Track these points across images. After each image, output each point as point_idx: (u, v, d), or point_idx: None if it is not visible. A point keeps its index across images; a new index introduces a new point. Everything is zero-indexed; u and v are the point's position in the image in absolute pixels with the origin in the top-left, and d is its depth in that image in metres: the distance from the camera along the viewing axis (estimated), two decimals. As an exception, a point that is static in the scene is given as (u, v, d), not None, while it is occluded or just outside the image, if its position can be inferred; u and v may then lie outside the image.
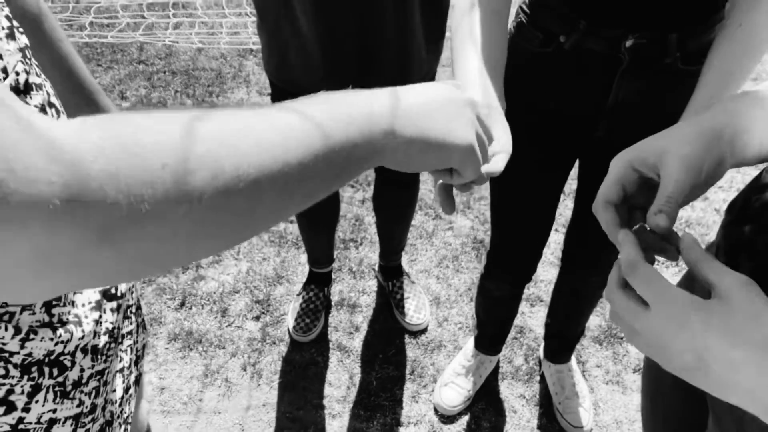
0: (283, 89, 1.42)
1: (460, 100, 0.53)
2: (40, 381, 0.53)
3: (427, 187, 2.34)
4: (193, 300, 1.99)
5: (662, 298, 0.46)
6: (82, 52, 3.10)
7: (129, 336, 0.69)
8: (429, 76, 1.46)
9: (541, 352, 1.87)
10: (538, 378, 1.83)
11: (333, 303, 2.00)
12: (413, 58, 1.36)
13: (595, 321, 1.97)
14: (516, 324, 1.94)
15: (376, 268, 2.09)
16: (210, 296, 2.00)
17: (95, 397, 0.60)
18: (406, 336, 1.92)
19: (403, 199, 1.79)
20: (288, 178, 0.38)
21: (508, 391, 1.80)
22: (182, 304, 1.97)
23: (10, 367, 0.50)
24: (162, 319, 1.93)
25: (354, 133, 0.43)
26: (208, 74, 3.00)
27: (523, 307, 2.00)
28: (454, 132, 0.51)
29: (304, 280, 1.99)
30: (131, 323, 0.70)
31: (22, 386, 0.51)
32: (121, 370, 0.67)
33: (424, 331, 1.94)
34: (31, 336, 0.50)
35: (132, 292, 0.70)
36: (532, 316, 1.98)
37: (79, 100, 0.78)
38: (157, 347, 1.86)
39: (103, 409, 0.62)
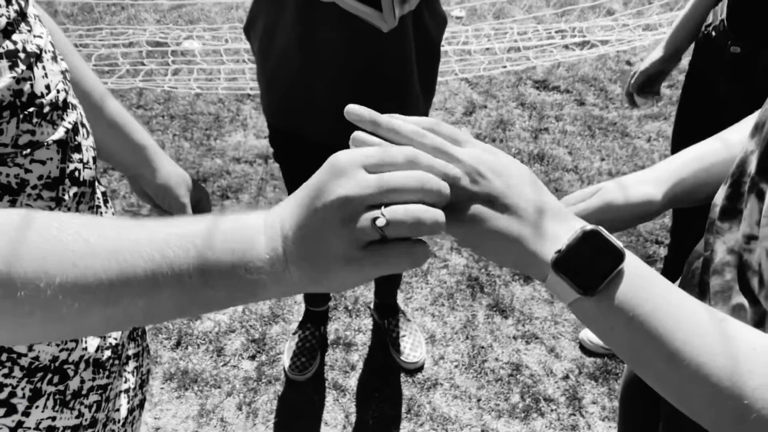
0: (282, 132, 1.46)
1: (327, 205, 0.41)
2: (39, 386, 0.54)
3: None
4: (189, 339, 1.99)
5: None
6: (83, 97, 3.16)
7: (135, 358, 0.70)
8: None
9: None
10: (534, 415, 1.82)
11: (329, 341, 2.01)
12: (411, 106, 1.41)
13: (590, 358, 1.97)
14: (512, 361, 1.95)
15: (372, 306, 2.10)
16: (206, 336, 2.00)
17: (96, 412, 0.61)
18: (402, 374, 1.92)
19: None
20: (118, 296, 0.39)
21: (505, 429, 1.79)
22: (178, 344, 1.97)
23: (16, 368, 0.52)
24: (158, 359, 1.92)
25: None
26: (206, 118, 3.06)
27: (519, 344, 2.01)
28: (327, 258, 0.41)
29: (300, 319, 1.99)
30: (137, 346, 0.71)
31: (23, 389, 0.53)
32: (126, 391, 0.68)
33: (420, 369, 1.94)
34: None
35: None
36: (527, 353, 1.99)
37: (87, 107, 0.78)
38: (153, 387, 1.85)
39: (104, 425, 0.63)
